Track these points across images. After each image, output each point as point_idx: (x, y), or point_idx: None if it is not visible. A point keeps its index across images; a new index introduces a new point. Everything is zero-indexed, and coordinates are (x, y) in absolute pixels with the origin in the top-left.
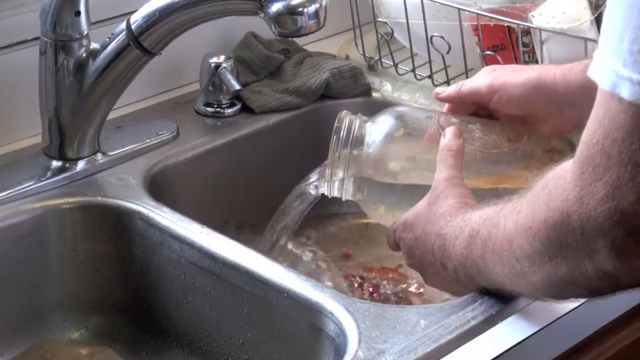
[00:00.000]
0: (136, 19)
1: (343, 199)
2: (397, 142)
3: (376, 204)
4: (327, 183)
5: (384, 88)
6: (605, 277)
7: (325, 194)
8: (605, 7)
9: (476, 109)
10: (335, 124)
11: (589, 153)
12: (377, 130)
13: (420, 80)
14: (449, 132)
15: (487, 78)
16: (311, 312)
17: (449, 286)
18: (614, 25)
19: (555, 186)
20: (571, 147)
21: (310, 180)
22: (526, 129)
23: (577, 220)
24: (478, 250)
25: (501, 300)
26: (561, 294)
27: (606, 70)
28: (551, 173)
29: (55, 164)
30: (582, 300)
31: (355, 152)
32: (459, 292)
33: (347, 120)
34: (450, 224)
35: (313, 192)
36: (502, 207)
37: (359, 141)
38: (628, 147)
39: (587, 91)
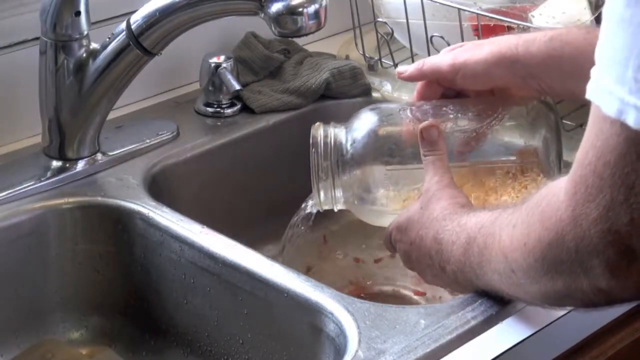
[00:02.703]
0: (136, 19)
1: (336, 210)
2: (377, 140)
3: (370, 205)
4: (316, 198)
5: (384, 88)
6: (600, 293)
7: (316, 209)
8: (604, 7)
9: (444, 91)
10: (311, 139)
11: (582, 173)
12: (354, 133)
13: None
14: (428, 132)
15: (447, 57)
16: (311, 312)
17: (451, 286)
18: (616, 51)
19: (549, 204)
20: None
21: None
22: (498, 99)
23: (572, 240)
24: (475, 258)
25: (501, 300)
26: (559, 304)
27: (610, 96)
28: (545, 189)
29: (55, 164)
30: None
31: (337, 159)
32: (461, 291)
33: (321, 131)
34: (446, 228)
35: (308, 210)
36: (497, 216)
37: (338, 148)
38: (621, 170)
39: (549, 63)
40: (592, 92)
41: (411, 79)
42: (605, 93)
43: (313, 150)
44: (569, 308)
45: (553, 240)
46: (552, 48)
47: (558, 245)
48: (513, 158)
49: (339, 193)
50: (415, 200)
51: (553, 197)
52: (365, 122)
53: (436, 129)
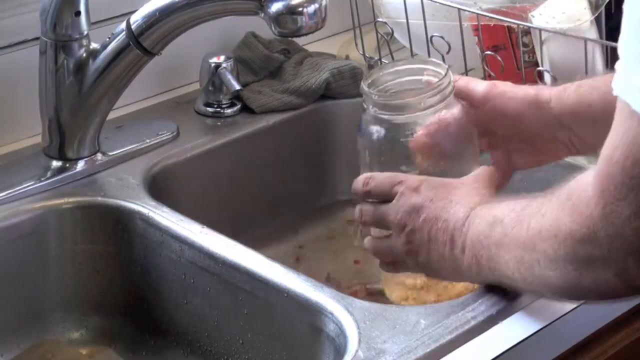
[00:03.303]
0: (136, 19)
1: None
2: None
3: None
4: None
5: None
6: (632, 290)
7: None
8: (604, 7)
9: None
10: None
11: (609, 171)
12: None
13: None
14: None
15: (486, 82)
16: (311, 312)
17: (441, 265)
18: None
19: (579, 198)
20: None
21: None
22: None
23: (605, 237)
24: (496, 237)
25: (501, 300)
26: (580, 298)
27: (636, 90)
28: (574, 182)
29: (55, 164)
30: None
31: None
32: (448, 275)
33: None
34: (475, 205)
35: None
36: (527, 204)
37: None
38: None
39: (579, 109)
40: (619, 88)
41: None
42: (632, 89)
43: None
44: (569, 308)
45: (585, 236)
46: (581, 94)
47: (590, 242)
48: None
49: None
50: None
51: (582, 192)
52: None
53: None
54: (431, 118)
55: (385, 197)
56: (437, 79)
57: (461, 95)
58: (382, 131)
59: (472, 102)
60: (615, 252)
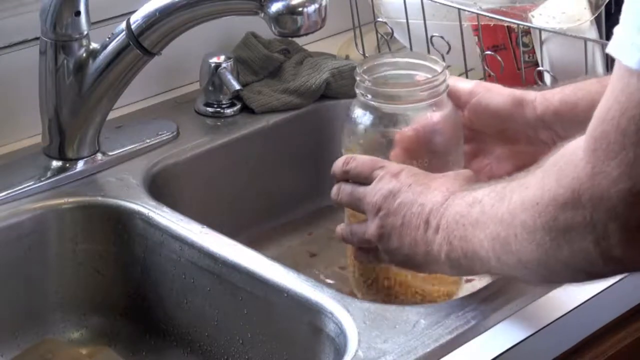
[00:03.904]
0: (136, 19)
1: None
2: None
3: None
4: None
5: None
6: (610, 262)
7: None
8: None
9: None
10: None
11: (603, 129)
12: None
13: None
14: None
15: (472, 81)
16: (311, 312)
17: (413, 250)
18: (638, 2)
19: (567, 162)
20: None
21: None
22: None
23: (589, 200)
24: (473, 217)
25: (501, 300)
26: (555, 277)
27: (633, 48)
28: (563, 149)
29: (55, 164)
30: (583, 299)
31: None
32: (419, 262)
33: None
34: (456, 189)
35: None
36: (509, 181)
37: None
38: None
39: (563, 109)
40: (614, 47)
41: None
42: (628, 46)
43: None
44: (569, 308)
45: (569, 199)
46: (566, 94)
47: (574, 206)
48: None
49: None
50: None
51: (571, 155)
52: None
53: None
54: (420, 113)
55: (364, 179)
56: (431, 76)
57: (449, 93)
58: (370, 118)
59: (459, 100)
60: (597, 215)
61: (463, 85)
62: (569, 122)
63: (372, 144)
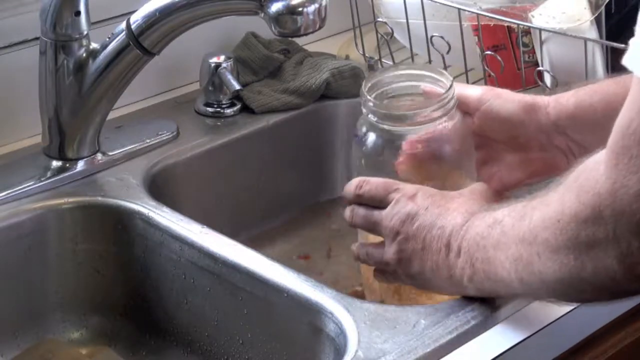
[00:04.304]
0: (136, 18)
1: None
2: (378, 161)
3: None
4: None
5: None
6: (635, 280)
7: None
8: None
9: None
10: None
11: (624, 143)
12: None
13: None
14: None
15: (480, 87)
16: (311, 312)
17: (434, 274)
18: None
19: (588, 178)
20: None
21: None
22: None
23: (610, 216)
24: (494, 238)
25: (501, 300)
26: (578, 296)
27: None
28: (583, 164)
29: (55, 164)
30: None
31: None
32: (441, 285)
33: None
34: (475, 213)
35: None
36: (530, 200)
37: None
38: None
39: (578, 113)
40: (631, 60)
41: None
42: None
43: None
44: (569, 308)
45: (590, 216)
46: (580, 97)
47: (595, 222)
48: None
49: None
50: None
51: (592, 170)
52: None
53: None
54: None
55: (378, 202)
56: (438, 88)
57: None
58: (380, 140)
59: (468, 107)
60: (620, 231)
61: (471, 92)
62: (585, 126)
63: (383, 165)
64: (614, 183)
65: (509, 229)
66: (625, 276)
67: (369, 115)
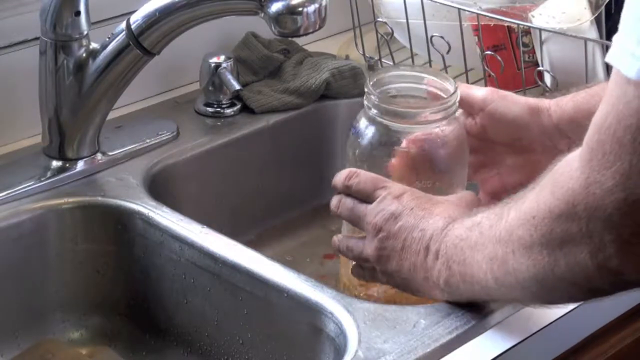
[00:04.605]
0: (136, 18)
1: None
2: (373, 160)
3: None
4: None
5: None
6: (608, 274)
7: None
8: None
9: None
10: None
11: (599, 138)
12: (360, 140)
13: None
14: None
15: (485, 88)
16: (311, 312)
17: (411, 275)
18: (636, 14)
19: (562, 174)
20: None
21: None
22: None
23: (584, 210)
24: (472, 240)
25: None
26: (553, 295)
27: (632, 58)
28: (561, 161)
29: (55, 164)
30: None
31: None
32: (417, 286)
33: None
34: (458, 218)
35: None
36: (508, 200)
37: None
38: None
39: (578, 117)
40: (613, 56)
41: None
42: (627, 55)
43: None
44: (569, 308)
45: (564, 211)
46: (578, 101)
47: (568, 217)
48: None
49: None
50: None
51: (566, 166)
52: (370, 138)
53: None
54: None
55: (365, 197)
56: (441, 92)
57: (460, 101)
58: (377, 134)
59: (472, 107)
60: (593, 225)
61: (476, 92)
62: (584, 129)
63: (376, 160)
64: (587, 178)
65: (486, 230)
66: (598, 272)
67: (371, 110)
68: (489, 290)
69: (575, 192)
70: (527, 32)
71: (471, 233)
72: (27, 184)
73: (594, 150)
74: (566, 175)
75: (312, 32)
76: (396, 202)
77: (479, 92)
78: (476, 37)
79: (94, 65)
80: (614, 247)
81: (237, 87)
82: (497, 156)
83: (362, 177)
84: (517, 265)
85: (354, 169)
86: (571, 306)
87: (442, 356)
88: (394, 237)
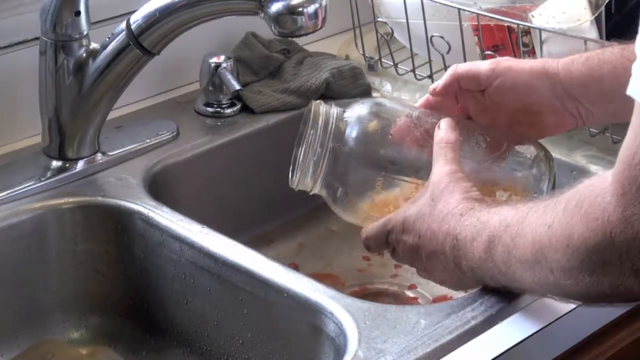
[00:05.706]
0: (136, 18)
1: (310, 194)
2: (382, 144)
3: (354, 203)
4: (296, 177)
5: (384, 88)
6: None
7: (293, 185)
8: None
9: (464, 104)
10: (311, 115)
11: (630, 174)
12: (359, 127)
13: (420, 80)
14: (444, 123)
15: (487, 61)
16: (311, 312)
17: (460, 284)
18: None
19: (593, 205)
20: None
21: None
22: (503, 135)
23: (623, 241)
24: (500, 257)
25: (501, 300)
26: (599, 302)
27: None
28: (584, 189)
29: (55, 164)
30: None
31: (333, 147)
32: (474, 287)
33: (322, 109)
34: (464, 223)
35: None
36: (524, 215)
37: (338, 136)
38: None
39: (589, 82)
40: (635, 89)
41: (446, 88)
42: None
43: (310, 129)
44: (569, 307)
45: (601, 242)
46: (591, 67)
47: (607, 248)
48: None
49: (320, 181)
50: (423, 191)
51: (597, 198)
52: (373, 121)
53: (453, 122)
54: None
55: (386, 248)
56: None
57: (465, 80)
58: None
59: (479, 83)
60: (632, 254)
61: (480, 68)
62: (594, 95)
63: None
64: (624, 211)
65: (512, 247)
66: None
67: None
68: (536, 293)
69: (613, 224)
70: (527, 32)
71: (494, 250)
72: (27, 184)
73: (626, 186)
74: (598, 207)
75: (312, 32)
76: (405, 235)
77: (483, 66)
78: (476, 37)
79: (94, 65)
80: None
81: (237, 87)
82: (506, 115)
83: (372, 236)
84: (558, 282)
85: (363, 231)
86: (572, 305)
87: (442, 356)
88: (427, 261)
